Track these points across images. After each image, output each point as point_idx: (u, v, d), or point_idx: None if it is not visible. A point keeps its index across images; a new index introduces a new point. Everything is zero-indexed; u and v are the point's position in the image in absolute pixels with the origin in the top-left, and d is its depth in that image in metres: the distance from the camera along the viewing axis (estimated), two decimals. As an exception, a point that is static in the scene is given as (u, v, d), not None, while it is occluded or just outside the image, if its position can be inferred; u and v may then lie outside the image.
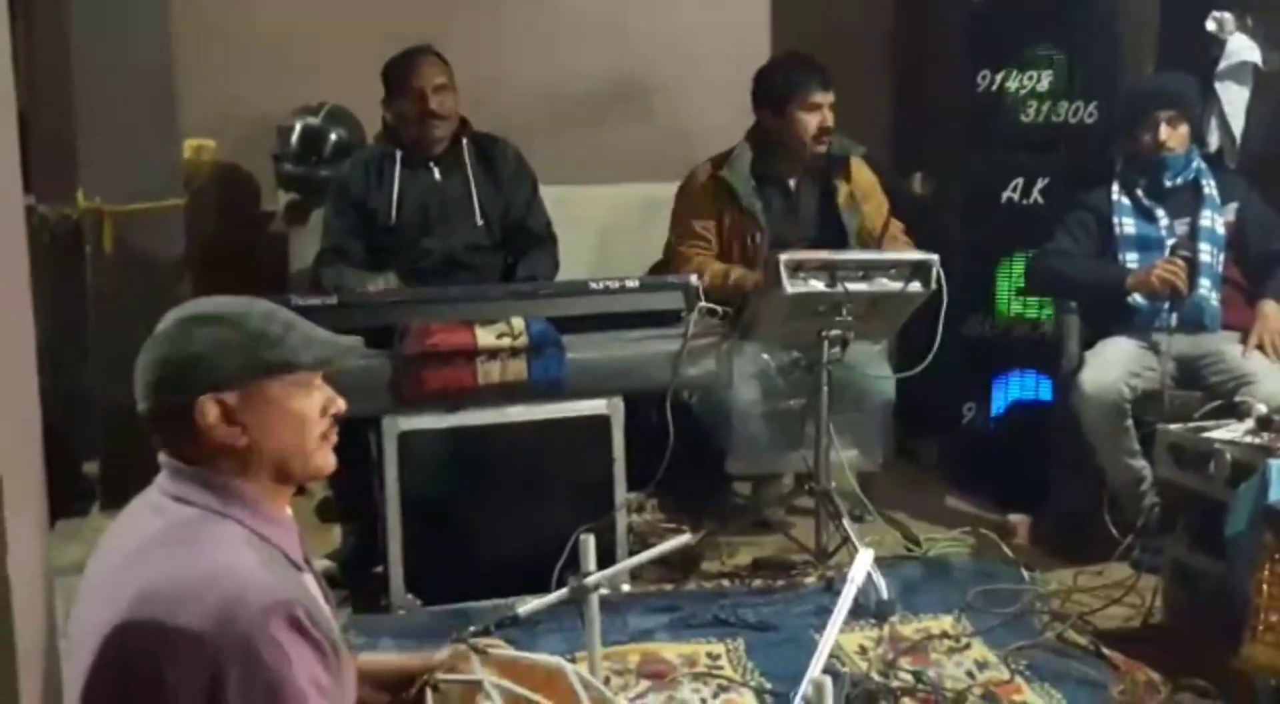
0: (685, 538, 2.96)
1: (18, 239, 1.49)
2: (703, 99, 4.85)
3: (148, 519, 1.84)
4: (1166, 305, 3.88)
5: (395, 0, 4.63)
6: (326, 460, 1.89)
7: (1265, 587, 2.73)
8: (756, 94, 4.23)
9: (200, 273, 4.24)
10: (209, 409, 1.78)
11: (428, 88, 3.87)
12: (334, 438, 1.90)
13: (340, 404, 1.89)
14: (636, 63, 5.02)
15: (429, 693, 2.28)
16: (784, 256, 3.53)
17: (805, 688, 2.10)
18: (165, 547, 1.77)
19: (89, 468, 4.04)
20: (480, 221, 3.99)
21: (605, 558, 3.18)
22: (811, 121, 4.11)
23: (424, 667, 2.27)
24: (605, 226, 4.76)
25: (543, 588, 3.21)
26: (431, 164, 3.97)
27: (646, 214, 4.53)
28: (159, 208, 4.17)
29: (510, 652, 2.44)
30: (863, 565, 2.31)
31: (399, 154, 3.94)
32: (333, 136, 4.46)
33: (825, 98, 4.12)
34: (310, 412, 1.85)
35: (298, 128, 4.44)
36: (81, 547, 3.02)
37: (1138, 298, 3.90)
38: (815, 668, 2.14)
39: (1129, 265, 3.95)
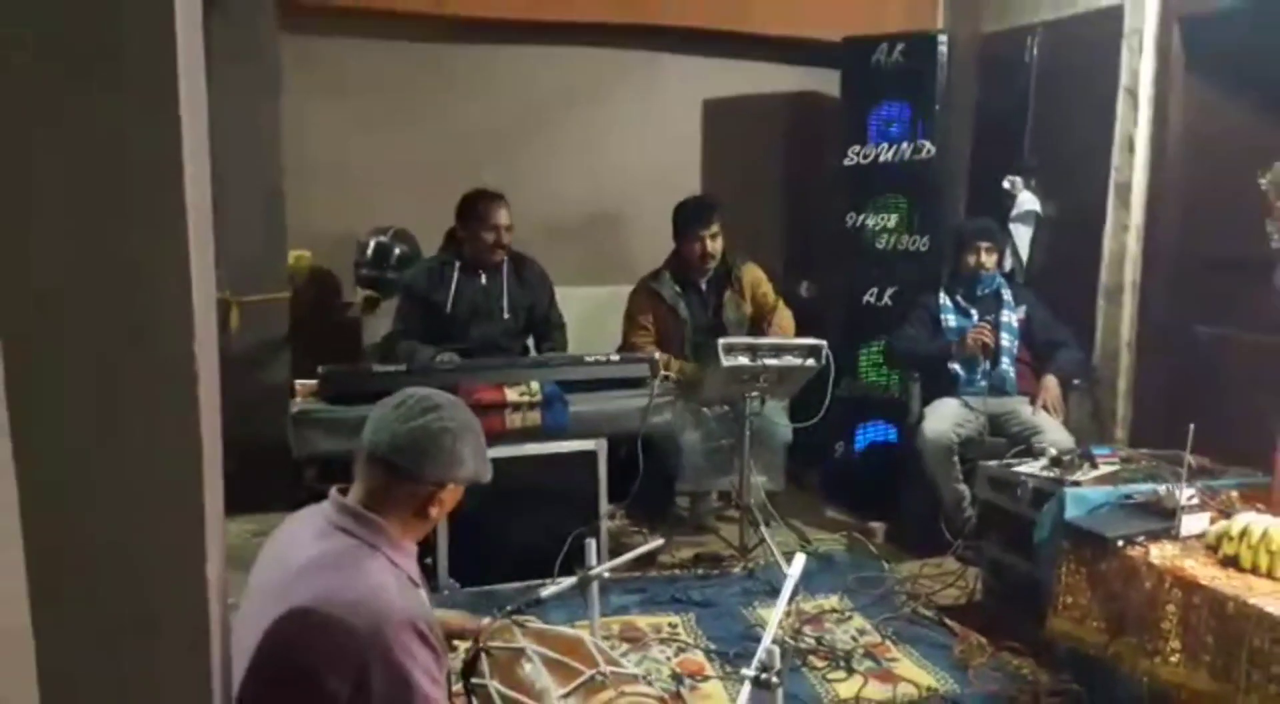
0: (659, 542, 2.96)
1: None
2: (648, 225, 4.88)
3: (314, 542, 1.84)
4: (980, 376, 4.00)
5: (441, 151, 4.62)
6: (426, 531, 1.97)
7: (1063, 577, 2.79)
8: (673, 224, 4.24)
9: (297, 346, 4.22)
10: (444, 494, 1.86)
11: (500, 224, 3.89)
12: (443, 516, 1.99)
13: (457, 500, 1.95)
14: (604, 198, 5.04)
15: (483, 656, 2.28)
16: (721, 342, 3.57)
17: (761, 654, 2.14)
18: (330, 569, 1.78)
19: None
20: (508, 316, 4.00)
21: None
22: (698, 248, 4.14)
23: (475, 629, 2.28)
24: (580, 316, 4.71)
25: (547, 574, 3.23)
26: (480, 272, 3.97)
27: (613, 308, 4.46)
28: (271, 299, 4.18)
29: (541, 625, 2.43)
30: (798, 565, 2.36)
31: (458, 263, 3.95)
32: (397, 250, 4.43)
33: (708, 231, 4.11)
34: (433, 502, 1.89)
35: (372, 244, 4.42)
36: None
37: (958, 369, 3.99)
38: (767, 639, 2.19)
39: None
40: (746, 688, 2.09)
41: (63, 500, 1.15)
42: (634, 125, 5.05)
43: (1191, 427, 2.64)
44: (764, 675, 2.09)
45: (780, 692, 2.11)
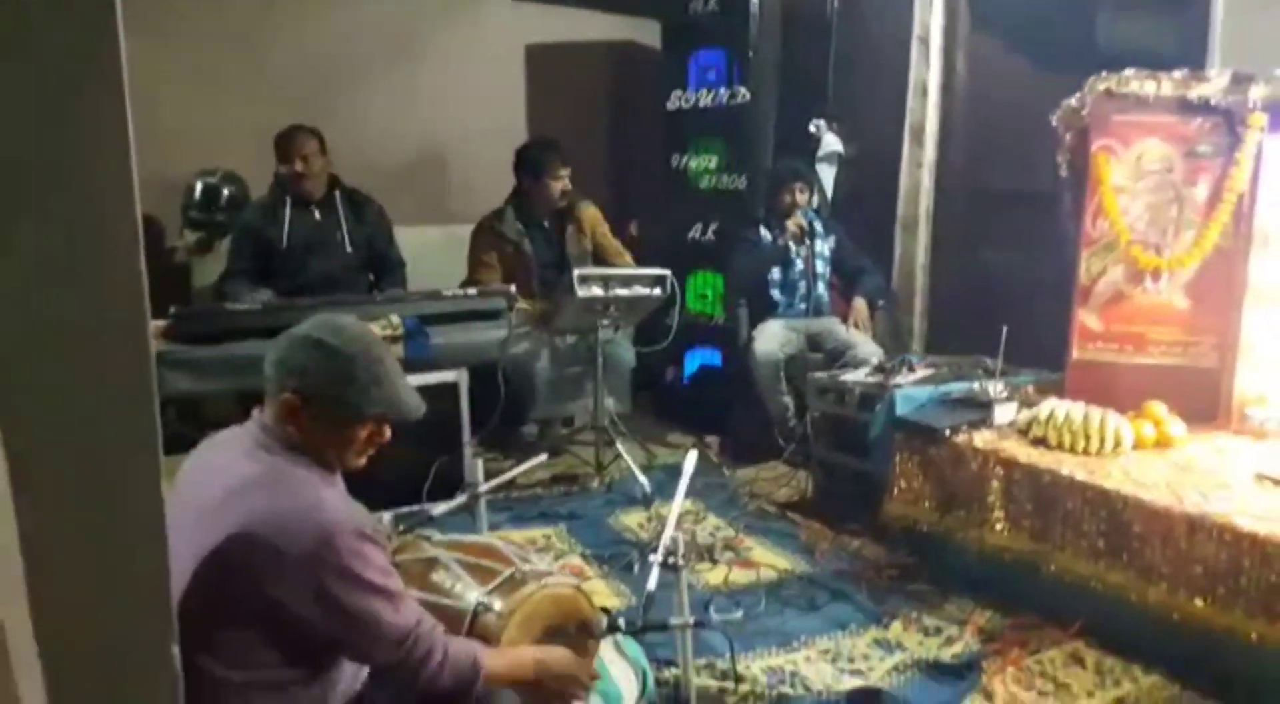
0: (542, 457, 2.97)
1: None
2: (478, 166, 4.81)
3: (243, 462, 1.75)
4: (799, 300, 4.21)
5: (266, 94, 4.37)
6: (354, 465, 1.82)
7: (898, 466, 3.02)
8: (518, 165, 4.22)
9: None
10: (288, 402, 1.73)
11: (306, 154, 3.74)
12: (370, 450, 1.82)
13: (384, 437, 1.82)
14: (432, 141, 4.94)
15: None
16: (576, 272, 3.58)
17: (666, 540, 2.23)
18: (266, 488, 1.69)
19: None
20: (350, 249, 3.87)
21: (456, 480, 3.20)
22: (556, 186, 4.17)
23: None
24: (416, 257, 4.59)
25: (415, 502, 3.18)
26: (313, 207, 3.82)
27: (445, 247, 4.42)
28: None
29: (446, 536, 2.42)
30: (691, 460, 2.45)
31: (288, 199, 3.78)
32: (226, 191, 4.19)
33: (565, 171, 4.16)
34: (352, 438, 1.77)
35: (200, 185, 4.17)
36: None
37: (779, 295, 4.19)
38: (669, 530, 2.27)
39: (773, 275, 4.20)
40: (655, 571, 2.17)
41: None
42: (459, 69, 4.93)
43: (1005, 328, 2.91)
44: (670, 559, 2.18)
45: (684, 572, 2.20)
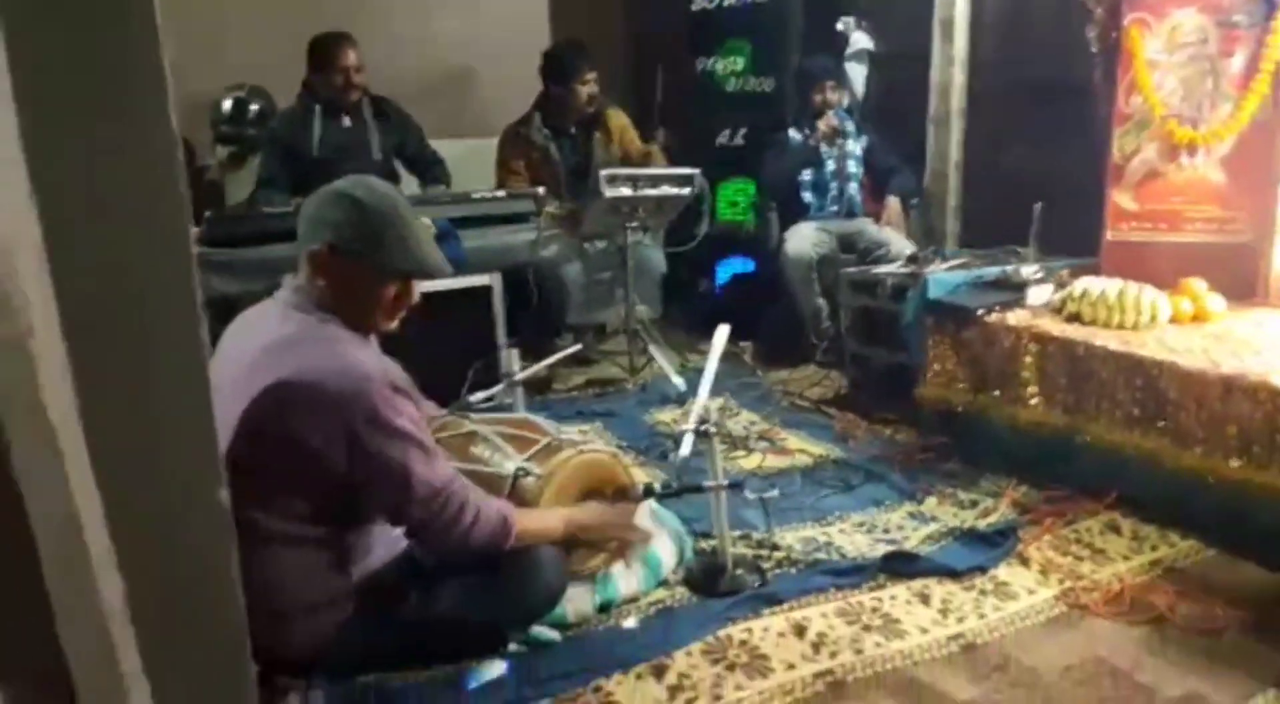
0: (576, 347, 3.02)
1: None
2: (501, 77, 4.79)
3: (277, 323, 1.82)
4: (830, 202, 4.20)
5: (295, 5, 4.36)
6: (384, 327, 1.88)
7: (931, 350, 3.04)
8: (544, 70, 4.19)
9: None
10: (318, 256, 1.78)
11: (349, 65, 3.77)
12: (399, 314, 1.88)
13: (413, 298, 1.86)
14: (453, 52, 4.94)
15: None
16: (604, 172, 3.58)
17: (699, 409, 2.28)
18: (299, 342, 1.77)
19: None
20: (379, 156, 3.91)
21: (494, 382, 3.25)
22: (584, 91, 4.16)
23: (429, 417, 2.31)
24: None
25: (455, 398, 3.25)
26: (343, 115, 3.86)
27: (470, 160, 4.40)
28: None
29: (484, 415, 2.50)
30: (722, 333, 2.49)
31: (318, 108, 3.81)
32: (254, 106, 4.26)
33: (592, 75, 4.15)
34: (380, 295, 1.81)
35: (229, 101, 4.25)
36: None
37: (810, 197, 4.19)
38: (701, 396, 2.32)
39: (804, 177, 4.18)
40: (689, 438, 2.22)
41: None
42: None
43: (1038, 206, 2.89)
44: (704, 426, 2.23)
45: (716, 440, 2.25)
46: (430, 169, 4.05)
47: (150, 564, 1.49)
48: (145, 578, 1.43)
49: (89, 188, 1.28)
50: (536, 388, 3.83)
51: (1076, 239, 3.27)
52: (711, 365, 2.36)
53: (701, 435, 2.22)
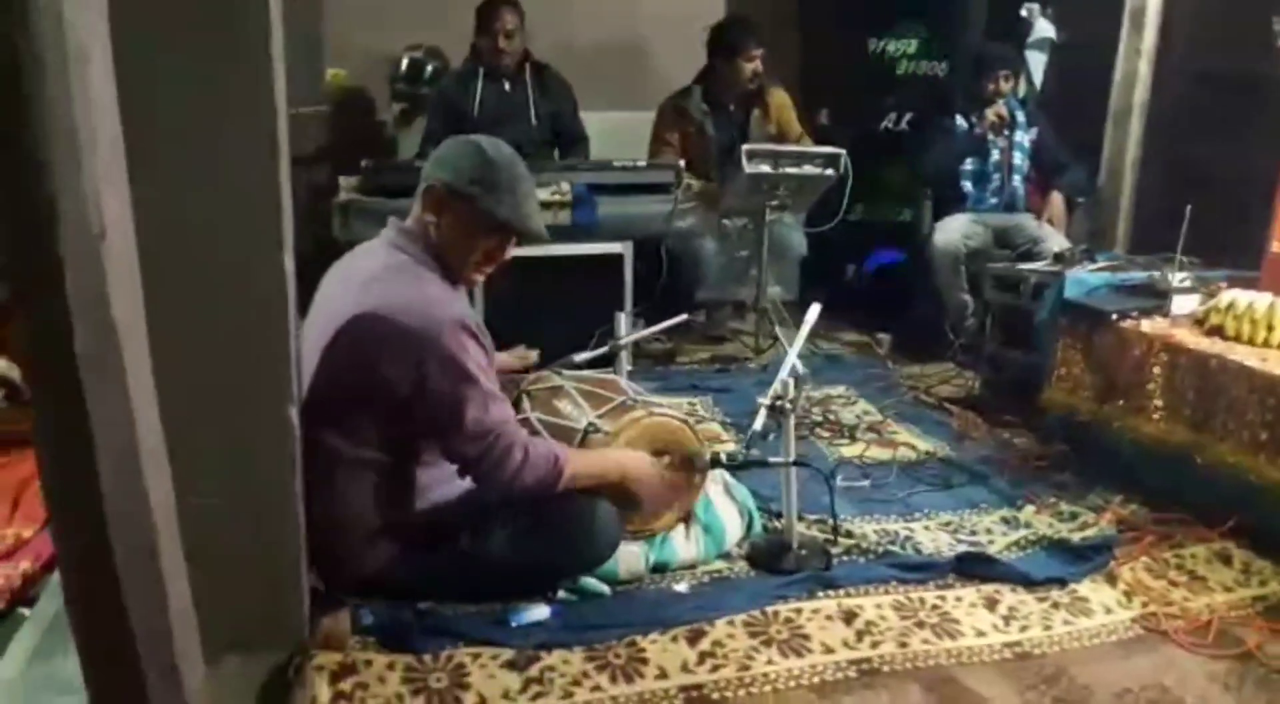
0: (684, 317, 3.03)
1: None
2: (668, 50, 4.80)
3: (376, 259, 1.97)
4: (989, 194, 4.04)
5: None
6: (472, 279, 2.01)
7: (1060, 352, 2.90)
8: (711, 43, 4.19)
9: (336, 159, 4.26)
10: (434, 191, 1.91)
11: (504, 28, 3.91)
12: (488, 269, 2.00)
13: (505, 254, 1.98)
14: (623, 23, 4.98)
15: (525, 396, 2.43)
16: (745, 147, 3.59)
17: (777, 385, 2.27)
18: (389, 280, 1.91)
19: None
20: (535, 122, 4.04)
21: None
22: (749, 68, 4.14)
23: (524, 366, 2.43)
24: (601, 141, 4.62)
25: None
26: (504, 80, 4.01)
27: (630, 133, 4.40)
28: (310, 113, 4.19)
29: (580, 374, 2.58)
30: (814, 311, 2.46)
31: (481, 71, 3.98)
32: (429, 67, 4.46)
33: (758, 52, 4.12)
34: (476, 244, 1.94)
35: (406, 60, 4.45)
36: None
37: (969, 187, 4.04)
38: (783, 372, 2.31)
39: (965, 166, 4.03)
40: (762, 414, 2.23)
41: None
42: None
43: (1189, 208, 2.70)
44: (779, 402, 2.22)
45: (792, 418, 2.24)
46: (574, 144, 4.13)
47: (213, 468, 1.64)
48: (201, 478, 1.58)
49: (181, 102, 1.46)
50: (659, 359, 3.91)
51: (1256, 251, 3.02)
52: (799, 342, 2.35)
53: (775, 411, 2.22)
